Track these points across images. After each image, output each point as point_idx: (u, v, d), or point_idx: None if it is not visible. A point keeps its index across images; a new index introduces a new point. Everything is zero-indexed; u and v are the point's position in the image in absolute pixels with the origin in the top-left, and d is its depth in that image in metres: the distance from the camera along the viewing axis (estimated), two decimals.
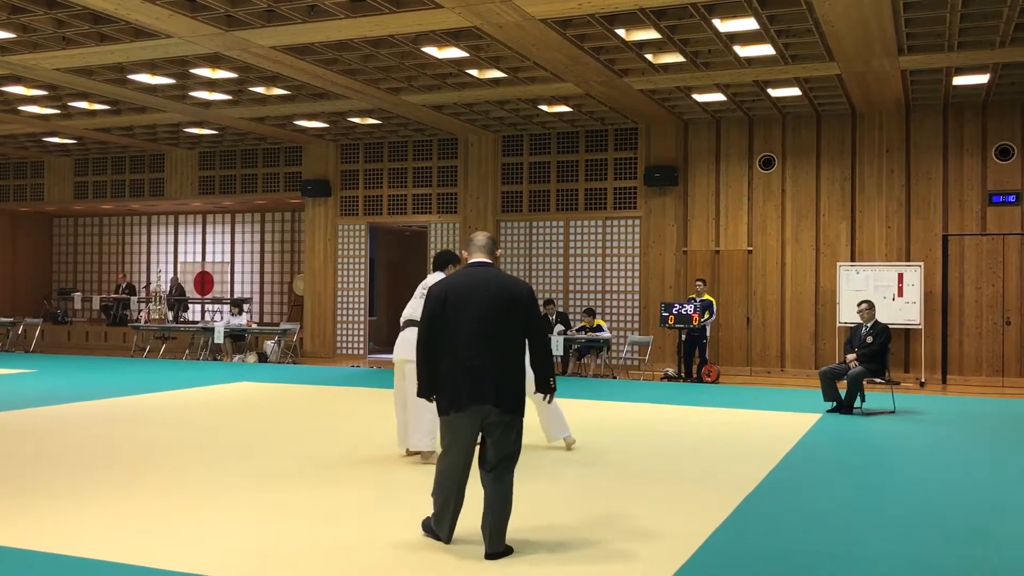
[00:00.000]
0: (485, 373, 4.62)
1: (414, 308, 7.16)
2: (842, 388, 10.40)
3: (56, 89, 13.69)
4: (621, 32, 10.50)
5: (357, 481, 6.53)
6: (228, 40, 10.81)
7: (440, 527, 4.82)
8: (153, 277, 22.23)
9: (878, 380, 10.43)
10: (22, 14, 10.07)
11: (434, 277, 7.32)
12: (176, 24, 10.20)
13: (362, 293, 18.13)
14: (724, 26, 10.30)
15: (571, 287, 16.41)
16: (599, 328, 14.85)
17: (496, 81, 12.82)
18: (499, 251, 5.16)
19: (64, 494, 5.97)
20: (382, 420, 9.06)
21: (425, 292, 7.07)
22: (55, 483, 6.31)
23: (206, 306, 21.80)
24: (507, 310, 4.71)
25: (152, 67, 12.32)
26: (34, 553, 4.67)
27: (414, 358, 6.21)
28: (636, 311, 15.94)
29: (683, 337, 14.14)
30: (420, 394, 4.85)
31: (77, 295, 22.74)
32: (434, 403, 4.81)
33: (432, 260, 7.68)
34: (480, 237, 5.02)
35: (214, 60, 11.90)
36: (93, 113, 15.55)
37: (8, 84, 13.37)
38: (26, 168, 21.39)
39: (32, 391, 11.82)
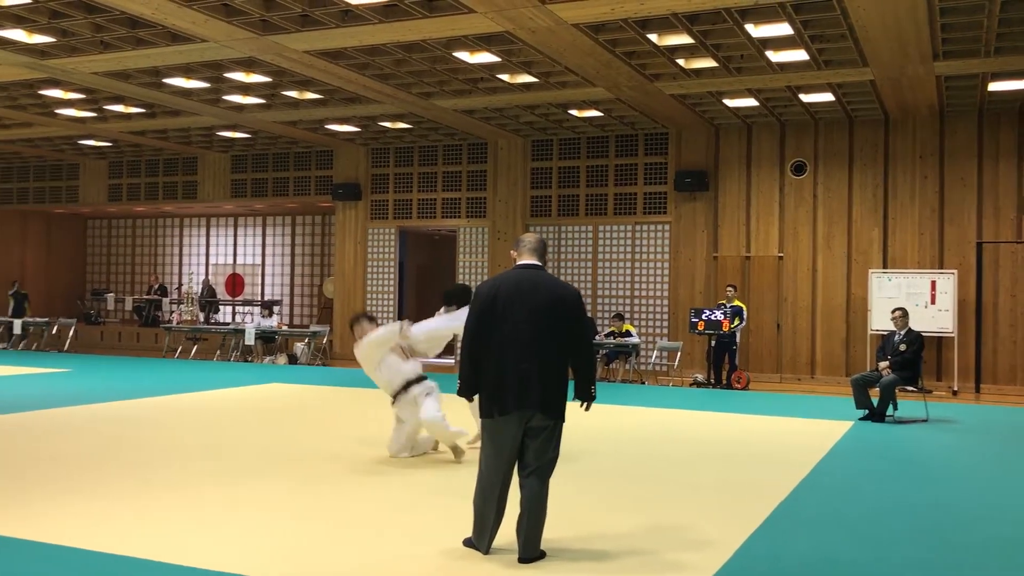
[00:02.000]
0: (531, 377, 4.57)
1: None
2: (874, 396, 10.31)
3: (93, 92, 13.88)
4: (653, 37, 10.49)
5: (391, 483, 6.56)
6: (262, 44, 10.91)
7: (480, 537, 4.75)
8: (185, 279, 22.45)
9: (911, 388, 10.32)
10: (62, 19, 10.23)
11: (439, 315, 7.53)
12: (212, 28, 10.32)
13: (391, 297, 18.21)
14: (757, 31, 10.27)
15: (600, 292, 16.39)
16: (628, 333, 14.81)
17: (527, 86, 12.84)
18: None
19: (103, 493, 6.05)
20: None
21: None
22: (93, 482, 6.39)
23: (237, 308, 22.00)
24: (555, 314, 4.65)
25: (187, 71, 12.46)
26: (73, 550, 4.73)
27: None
28: (665, 317, 15.88)
29: (713, 343, 14.08)
30: (460, 394, 4.81)
31: (110, 296, 23.04)
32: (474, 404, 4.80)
33: (446, 294, 7.75)
34: (530, 238, 4.91)
35: (248, 64, 12.02)
36: (128, 116, 15.75)
37: (47, 87, 13.57)
38: (62, 170, 21.70)
39: (67, 390, 11.97)
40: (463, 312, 7.06)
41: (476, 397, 4.79)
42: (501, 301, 4.66)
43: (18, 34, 10.75)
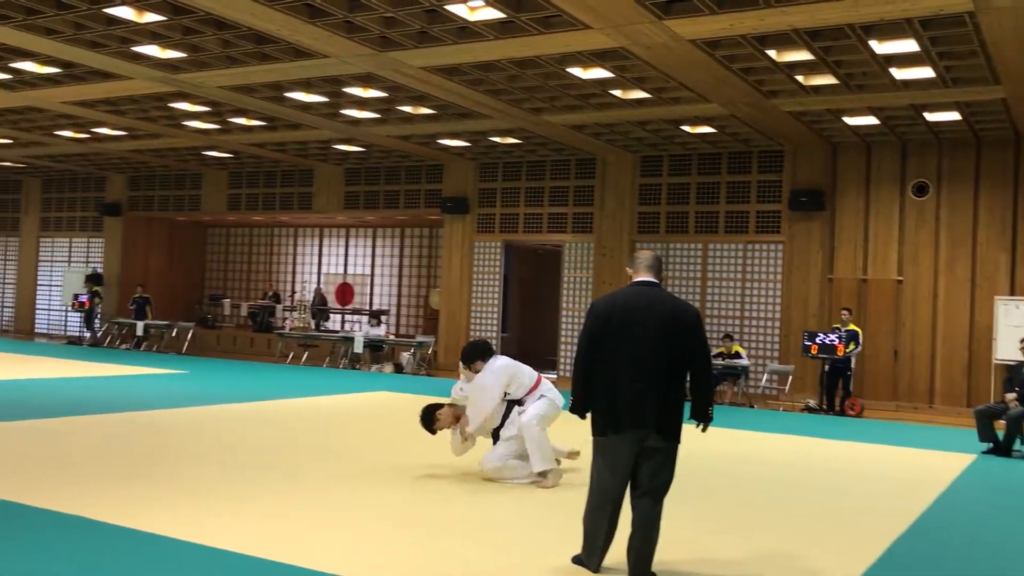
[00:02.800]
0: (648, 396, 4.49)
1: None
2: (999, 429, 9.81)
3: (218, 105, 14.45)
4: (772, 53, 10.28)
5: (500, 497, 6.56)
6: (381, 60, 11.16)
7: (590, 556, 4.69)
8: (298, 287, 23.12)
9: None
10: (193, 35, 10.69)
11: (462, 383, 7.33)
12: (333, 45, 10.61)
13: (495, 309, 18.32)
14: (881, 47, 9.94)
15: (708, 312, 16.11)
16: (737, 355, 14.51)
17: (639, 101, 12.76)
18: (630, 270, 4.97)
19: (223, 492, 6.24)
20: None
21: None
22: (214, 480, 6.61)
23: (346, 316, 22.51)
24: (674, 332, 4.56)
25: (307, 85, 12.85)
26: (194, 546, 4.89)
27: None
28: (776, 339, 15.49)
29: (826, 368, 13.65)
30: (573, 411, 4.76)
31: (227, 301, 23.89)
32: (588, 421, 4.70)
33: (464, 352, 7.31)
34: (646, 255, 4.85)
35: (366, 80, 12.31)
36: (250, 129, 16.33)
37: (176, 100, 14.19)
38: (185, 180, 22.65)
39: (185, 391, 12.45)
40: (489, 378, 6.95)
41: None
42: (617, 318, 4.59)
43: (153, 50, 11.28)
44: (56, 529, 5.13)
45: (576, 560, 4.79)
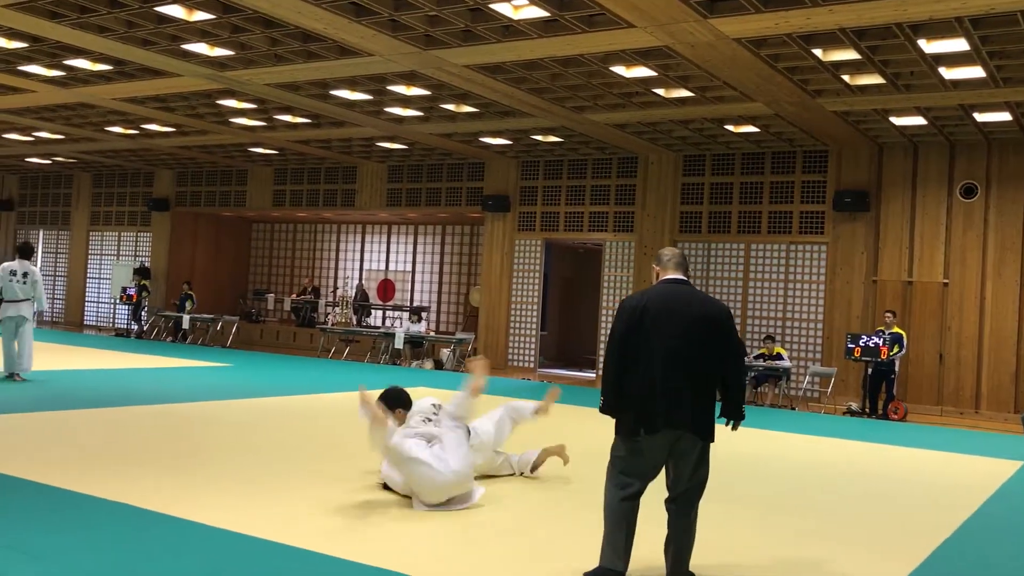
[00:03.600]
0: (682, 396, 4.42)
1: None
2: None
3: (264, 103, 14.65)
4: (818, 52, 10.19)
5: (534, 496, 6.59)
6: (425, 59, 11.24)
7: (614, 559, 4.50)
8: (340, 282, 23.34)
9: None
10: (241, 33, 10.85)
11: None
12: (378, 43, 10.71)
13: (535, 307, 18.35)
14: (930, 47, 9.81)
15: (750, 312, 16.00)
16: (779, 356, 14.40)
17: (682, 100, 12.71)
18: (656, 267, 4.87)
19: (268, 484, 6.35)
20: (558, 433, 9.12)
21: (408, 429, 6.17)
22: (262, 472, 6.72)
23: (387, 312, 22.68)
24: (707, 330, 4.51)
25: (352, 83, 12.98)
26: (238, 535, 4.99)
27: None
28: (818, 341, 15.34)
29: (869, 371, 13.49)
30: (604, 411, 4.63)
31: (270, 296, 24.21)
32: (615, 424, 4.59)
33: (384, 397, 6.39)
34: (674, 252, 4.77)
35: (410, 78, 12.40)
36: (295, 126, 16.53)
37: (223, 98, 14.41)
38: (231, 176, 22.98)
39: (230, 384, 12.65)
40: (402, 434, 5.98)
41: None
42: (650, 316, 4.50)
43: (201, 47, 11.47)
44: (104, 515, 5.26)
45: (597, 572, 4.56)
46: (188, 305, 21.10)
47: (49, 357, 14.35)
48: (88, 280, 25.75)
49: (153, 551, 4.66)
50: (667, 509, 4.57)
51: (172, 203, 23.82)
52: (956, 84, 11.05)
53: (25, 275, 11.59)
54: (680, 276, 4.71)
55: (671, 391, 4.43)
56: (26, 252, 11.80)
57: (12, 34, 11.48)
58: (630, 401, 4.50)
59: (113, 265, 24.78)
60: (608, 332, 16.62)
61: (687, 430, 4.44)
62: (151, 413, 9.46)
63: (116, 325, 24.49)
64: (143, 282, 22.14)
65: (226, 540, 4.92)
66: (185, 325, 20.66)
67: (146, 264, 23.65)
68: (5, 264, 11.70)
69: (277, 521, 5.34)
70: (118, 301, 23.26)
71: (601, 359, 17.33)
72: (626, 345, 4.52)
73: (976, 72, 10.52)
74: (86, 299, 25.72)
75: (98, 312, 25.46)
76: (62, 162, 23.68)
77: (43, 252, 26.85)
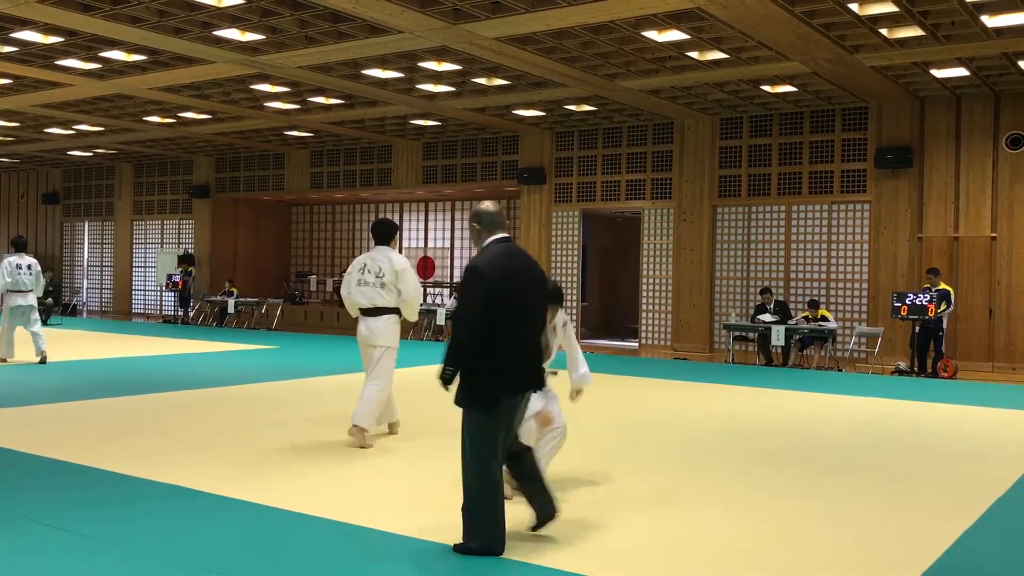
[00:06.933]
0: (536, 357, 4.63)
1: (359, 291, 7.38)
2: None
3: (297, 86, 14.71)
4: (854, 7, 9.97)
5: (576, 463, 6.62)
6: (454, 33, 11.19)
7: (491, 537, 4.35)
8: None
9: None
10: (271, 17, 10.89)
11: (379, 252, 7.58)
12: (407, 19, 10.68)
13: (575, 279, 18.31)
14: None
15: (792, 275, 15.81)
16: (824, 319, 14.24)
17: (717, 63, 12.53)
18: None
19: (321, 462, 6.44)
20: (605, 406, 9.13)
21: (362, 270, 7.49)
22: (320, 452, 6.82)
23: (428, 290, 22.79)
24: (543, 290, 4.75)
25: (383, 62, 12.97)
26: (292, 514, 5.07)
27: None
28: (864, 301, 15.13)
29: (917, 329, 13.29)
30: (447, 379, 4.36)
31: (312, 277, 24.43)
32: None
33: (373, 229, 7.64)
34: (496, 208, 4.66)
35: (440, 53, 12.37)
36: (329, 107, 16.59)
37: (257, 82, 14.50)
38: (269, 160, 23.16)
39: (278, 366, 12.81)
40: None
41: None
42: (509, 282, 4.41)
43: (233, 33, 11.53)
44: (161, 499, 5.38)
45: (465, 549, 4.37)
46: (230, 302, 21.35)
47: (101, 346, 14.64)
48: (134, 268, 26.19)
49: (210, 532, 4.75)
50: (516, 457, 4.64)
51: (212, 190, 24.09)
52: (999, 32, 10.76)
53: (29, 267, 12.40)
54: (506, 234, 4.68)
55: (532, 352, 4.60)
56: (22, 246, 12.52)
57: (48, 29, 11.63)
58: (491, 367, 4.37)
59: (157, 253, 25.17)
60: (649, 301, 16.31)
61: (533, 390, 4.66)
62: (207, 396, 9.62)
63: (163, 312, 24.91)
64: (189, 268, 22.47)
65: (280, 519, 4.99)
66: (230, 309, 20.94)
67: (190, 251, 23.98)
68: (10, 258, 12.39)
69: (327, 498, 5.41)
70: (164, 288, 23.63)
71: (643, 328, 17.28)
72: (489, 311, 4.34)
73: (1020, 19, 10.23)
74: (133, 287, 26.18)
75: (145, 300, 25.91)
76: (103, 154, 24.03)
77: (89, 243, 27.34)
